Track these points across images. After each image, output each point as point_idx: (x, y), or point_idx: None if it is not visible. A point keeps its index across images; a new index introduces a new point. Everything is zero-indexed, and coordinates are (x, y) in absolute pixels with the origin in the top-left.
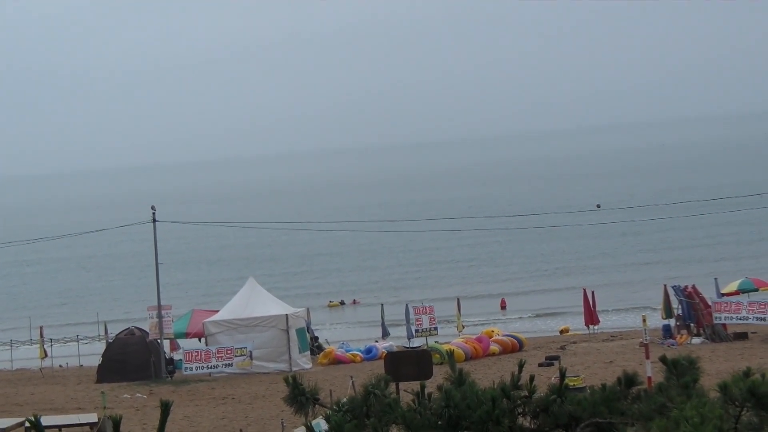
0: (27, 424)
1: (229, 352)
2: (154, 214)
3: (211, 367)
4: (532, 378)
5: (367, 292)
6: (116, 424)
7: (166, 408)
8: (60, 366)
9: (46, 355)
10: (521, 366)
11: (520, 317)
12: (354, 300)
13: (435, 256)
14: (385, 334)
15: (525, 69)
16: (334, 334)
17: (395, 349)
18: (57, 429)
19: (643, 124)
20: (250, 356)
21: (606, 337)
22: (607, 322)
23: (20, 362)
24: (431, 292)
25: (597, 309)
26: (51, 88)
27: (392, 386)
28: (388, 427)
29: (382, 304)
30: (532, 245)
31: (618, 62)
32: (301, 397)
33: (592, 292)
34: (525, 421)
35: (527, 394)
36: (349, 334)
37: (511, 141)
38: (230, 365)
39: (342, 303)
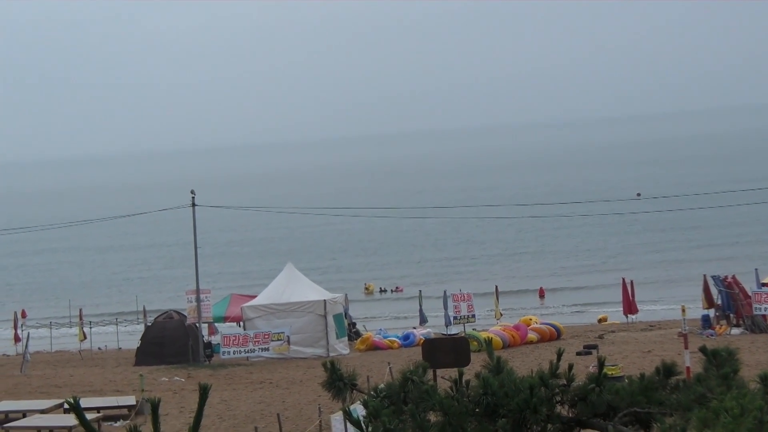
0: (66, 406)
1: (266, 336)
2: (193, 198)
3: (248, 352)
4: (570, 367)
5: (407, 278)
6: (155, 406)
7: (204, 391)
8: (99, 348)
9: (85, 338)
10: (560, 354)
11: (559, 306)
12: (396, 287)
13: (476, 243)
14: (423, 321)
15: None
16: (371, 321)
17: (433, 335)
18: (96, 411)
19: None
20: (288, 341)
21: (644, 326)
22: (646, 312)
23: (59, 344)
24: (470, 279)
25: (635, 298)
26: (88, 69)
27: (430, 373)
28: (426, 414)
29: (420, 291)
30: (575, 233)
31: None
32: (338, 382)
33: (631, 282)
34: (563, 410)
35: (565, 382)
36: (386, 320)
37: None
38: (267, 350)
39: (383, 290)
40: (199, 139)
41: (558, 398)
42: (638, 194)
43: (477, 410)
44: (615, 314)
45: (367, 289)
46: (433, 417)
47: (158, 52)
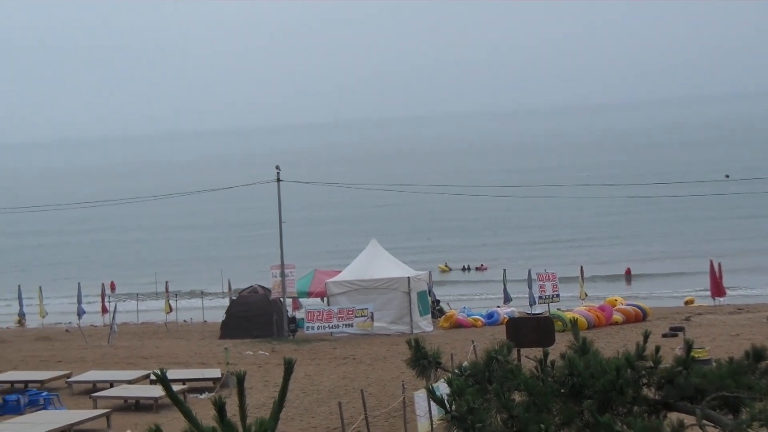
0: (152, 377)
1: (350, 312)
2: (278, 173)
3: (332, 327)
4: (657, 349)
5: (492, 257)
6: (240, 379)
7: (289, 366)
8: (184, 321)
9: (171, 310)
10: (646, 336)
11: (644, 288)
12: (481, 265)
13: (561, 222)
14: (507, 300)
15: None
16: (455, 299)
17: (517, 315)
18: (181, 382)
19: None
20: (371, 317)
21: (732, 309)
22: (734, 295)
23: (146, 316)
24: (555, 257)
25: (723, 281)
26: (168, 47)
27: (514, 352)
28: (511, 393)
29: (504, 270)
30: (661, 214)
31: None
32: (423, 360)
33: (719, 264)
34: (649, 392)
35: (652, 364)
36: (470, 298)
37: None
38: (351, 326)
39: (466, 269)
40: (286, 115)
41: (644, 380)
42: (726, 176)
43: (562, 391)
44: (702, 298)
45: (442, 269)
46: (517, 397)
47: (255, 33)
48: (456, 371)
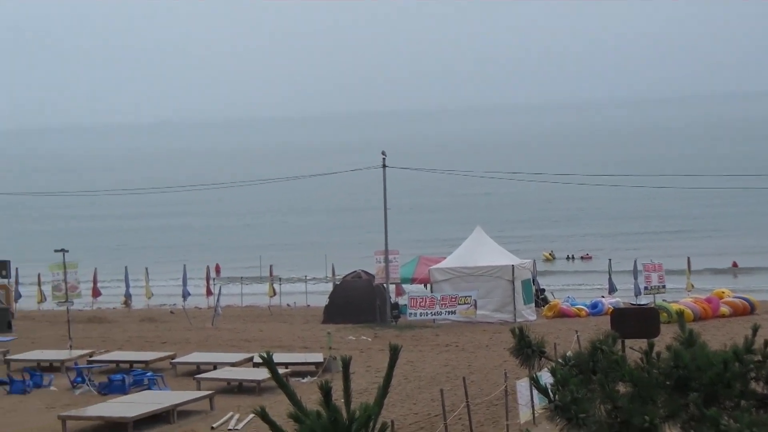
0: (255, 360)
1: (453, 299)
2: (384, 159)
3: (434, 314)
4: (766, 343)
5: (596, 246)
6: (346, 364)
7: (395, 352)
8: (288, 305)
9: (275, 294)
10: (755, 329)
11: (753, 281)
12: (586, 254)
13: (669, 213)
14: (612, 290)
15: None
16: (559, 288)
17: (622, 305)
18: (284, 366)
19: None
20: (475, 305)
21: None
22: None
23: (249, 299)
24: (661, 248)
25: None
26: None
27: (619, 343)
28: (615, 384)
29: (609, 260)
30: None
31: None
32: (527, 349)
33: None
34: (757, 387)
35: (761, 358)
36: (575, 288)
37: None
38: (454, 313)
39: (570, 258)
40: (391, 102)
41: (752, 374)
42: None
43: (667, 383)
44: None
45: (546, 257)
46: (622, 388)
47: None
48: (560, 361)
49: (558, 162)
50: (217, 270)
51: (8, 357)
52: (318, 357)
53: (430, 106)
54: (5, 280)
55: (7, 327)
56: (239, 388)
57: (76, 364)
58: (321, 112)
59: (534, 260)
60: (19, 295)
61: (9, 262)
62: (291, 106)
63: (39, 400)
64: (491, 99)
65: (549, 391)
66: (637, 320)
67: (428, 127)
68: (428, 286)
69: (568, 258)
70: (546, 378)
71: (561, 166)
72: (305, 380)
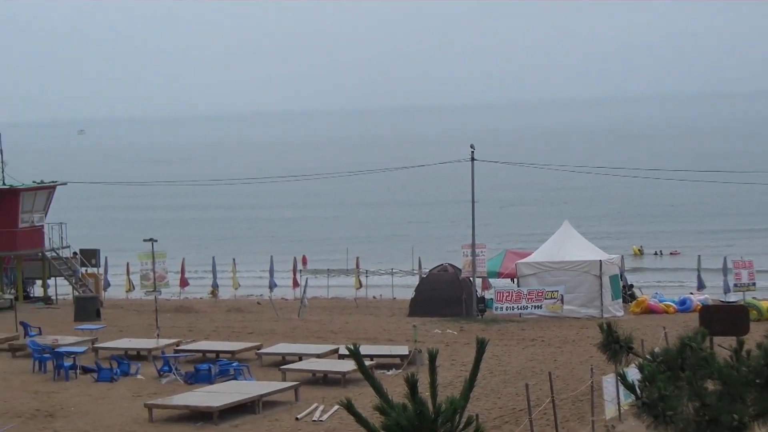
0: (341, 351)
1: (540, 294)
2: (472, 152)
3: (521, 308)
4: None
5: (685, 243)
6: (432, 357)
7: (482, 346)
8: (374, 297)
9: (361, 286)
10: None
11: None
12: (675, 250)
13: (760, 210)
14: (701, 287)
15: None
16: (647, 285)
17: (710, 302)
18: (369, 358)
19: None
20: (561, 300)
21: None
22: None
23: (336, 291)
24: (752, 246)
25: None
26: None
27: (707, 340)
28: (703, 381)
29: (699, 256)
30: None
31: None
32: (615, 344)
33: None
34: None
35: None
36: (663, 285)
37: None
38: (540, 307)
39: (658, 253)
40: (479, 95)
41: None
42: None
43: (757, 381)
44: None
45: (636, 252)
46: (710, 385)
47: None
48: (648, 357)
49: (649, 156)
50: (304, 261)
51: (96, 345)
52: (403, 349)
53: (523, 97)
54: (94, 269)
55: (96, 315)
56: (324, 380)
57: (163, 353)
58: (404, 103)
59: (622, 256)
60: (108, 284)
61: (98, 251)
62: (371, 98)
63: (126, 388)
64: (587, 92)
65: (636, 387)
66: (726, 317)
67: (514, 120)
68: (515, 280)
69: (656, 253)
70: (633, 374)
71: (653, 160)
72: (390, 372)
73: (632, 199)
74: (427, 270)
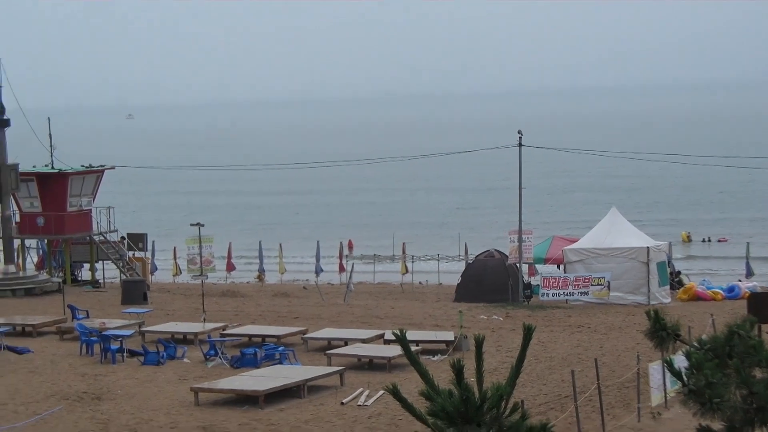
0: (387, 336)
1: (586, 280)
2: (520, 138)
3: (567, 295)
4: None
5: (734, 231)
6: (479, 344)
7: (529, 332)
8: (420, 283)
9: (407, 271)
10: None
11: None
12: (723, 237)
13: None
14: (749, 274)
15: None
16: (696, 272)
17: (759, 289)
18: (415, 344)
19: None
20: (608, 287)
21: None
22: None
23: (381, 276)
24: None
25: None
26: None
27: (756, 328)
28: (751, 369)
29: (747, 243)
30: None
31: None
32: (662, 332)
33: None
34: None
35: None
36: (711, 272)
37: None
38: (586, 294)
39: (706, 240)
40: (527, 82)
41: None
42: None
43: None
44: None
45: (684, 238)
46: (758, 373)
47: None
48: (695, 344)
49: (702, 143)
50: (350, 247)
51: (143, 328)
52: (449, 335)
53: (561, 84)
54: (142, 253)
55: (143, 299)
56: (370, 365)
57: (209, 336)
58: (468, 90)
59: (670, 243)
60: (155, 268)
61: (146, 235)
62: (437, 84)
63: (172, 371)
64: (626, 80)
65: (683, 374)
66: None
67: (560, 107)
68: (561, 266)
69: (704, 240)
70: (680, 361)
71: (705, 147)
72: (435, 358)
73: (682, 187)
74: (474, 256)
